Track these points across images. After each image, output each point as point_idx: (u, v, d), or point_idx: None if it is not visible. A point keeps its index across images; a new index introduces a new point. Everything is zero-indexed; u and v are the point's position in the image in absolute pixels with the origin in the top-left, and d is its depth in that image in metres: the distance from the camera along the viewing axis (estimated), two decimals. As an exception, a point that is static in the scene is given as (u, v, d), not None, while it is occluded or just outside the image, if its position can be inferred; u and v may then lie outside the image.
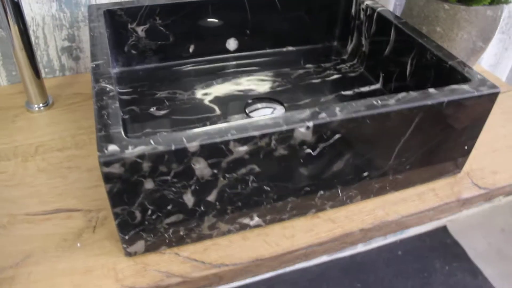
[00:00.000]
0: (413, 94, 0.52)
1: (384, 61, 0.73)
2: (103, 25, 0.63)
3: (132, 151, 0.41)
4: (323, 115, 0.47)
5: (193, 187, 0.46)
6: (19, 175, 0.59)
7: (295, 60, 0.81)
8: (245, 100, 0.70)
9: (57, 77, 0.79)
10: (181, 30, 0.75)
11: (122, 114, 0.64)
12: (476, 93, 0.53)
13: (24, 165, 0.61)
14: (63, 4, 0.72)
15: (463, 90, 0.53)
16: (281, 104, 0.70)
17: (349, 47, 0.83)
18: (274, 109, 0.69)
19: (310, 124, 0.46)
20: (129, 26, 0.71)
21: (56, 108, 0.72)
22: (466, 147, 0.60)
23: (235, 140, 0.44)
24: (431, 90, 0.52)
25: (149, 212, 0.46)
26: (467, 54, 0.83)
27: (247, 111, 0.68)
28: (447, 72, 0.60)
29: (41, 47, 0.75)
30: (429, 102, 0.50)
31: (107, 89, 0.49)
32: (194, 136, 0.43)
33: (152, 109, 0.67)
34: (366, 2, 0.76)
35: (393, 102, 0.50)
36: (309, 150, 0.48)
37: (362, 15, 0.77)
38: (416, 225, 0.62)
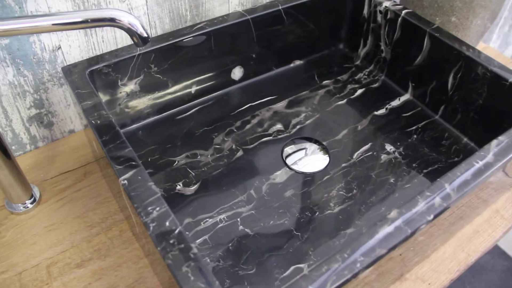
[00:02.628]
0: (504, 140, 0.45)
1: (414, 70, 0.65)
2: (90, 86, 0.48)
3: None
4: (438, 200, 0.39)
5: None
6: (42, 319, 0.46)
7: (308, 76, 0.71)
8: (277, 144, 0.60)
9: (29, 152, 0.62)
10: (181, 72, 0.61)
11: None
12: None
13: (43, 300, 0.47)
14: (22, 67, 0.54)
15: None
16: (319, 143, 0.61)
17: (362, 51, 0.73)
18: (313, 149, 0.60)
19: (431, 217, 0.38)
20: (120, 83, 0.56)
21: (47, 201, 0.57)
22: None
23: (365, 268, 0.35)
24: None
25: None
26: (477, 38, 0.78)
27: (287, 162, 0.58)
28: (508, 90, 0.54)
29: (2, 123, 0.58)
30: (533, 151, 0.44)
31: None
32: (317, 280, 0.33)
33: (178, 187, 0.55)
34: (384, 4, 0.66)
35: (492, 158, 0.44)
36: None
37: (379, 18, 0.68)
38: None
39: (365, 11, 0.70)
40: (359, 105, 0.67)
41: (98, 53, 0.58)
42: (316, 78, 0.71)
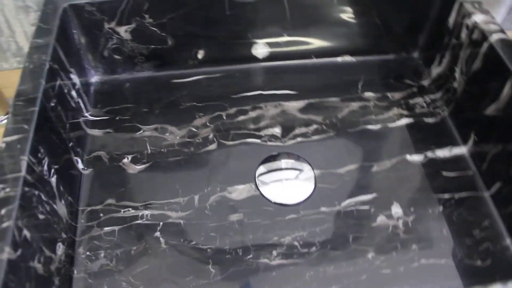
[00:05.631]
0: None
1: (482, 120, 0.47)
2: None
3: None
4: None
5: None
6: None
7: (350, 80, 0.56)
8: (261, 152, 0.49)
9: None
10: (184, 31, 0.51)
11: (82, 167, 0.46)
12: None
13: None
14: (24, -19, 0.50)
15: None
16: (311, 169, 0.48)
17: (435, 70, 0.55)
18: (298, 173, 0.47)
19: None
20: (106, 26, 0.49)
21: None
22: None
23: None
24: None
25: None
26: None
27: (258, 180, 0.46)
28: None
29: (6, 34, 0.56)
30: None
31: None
32: None
33: (125, 160, 0.48)
34: (474, 18, 0.47)
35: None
36: None
37: (464, 35, 0.49)
38: None
39: (451, 19, 0.51)
40: (393, 138, 0.51)
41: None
42: (358, 85, 0.55)
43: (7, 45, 0.57)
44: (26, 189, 0.33)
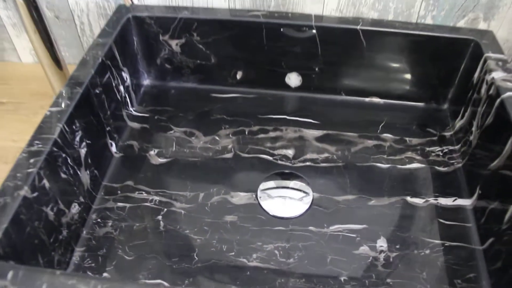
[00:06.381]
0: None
1: (487, 175, 0.47)
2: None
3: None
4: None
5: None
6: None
7: (374, 120, 0.58)
8: (269, 168, 0.53)
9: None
10: (226, 52, 0.58)
11: (115, 151, 0.54)
12: None
13: None
14: (107, -6, 0.61)
15: None
16: (311, 191, 0.51)
17: (458, 123, 0.56)
18: (303, 196, 0.51)
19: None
20: (161, 37, 0.58)
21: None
22: None
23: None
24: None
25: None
26: None
27: (260, 193, 0.51)
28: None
29: (87, 33, 0.67)
30: None
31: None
32: (56, 292, 0.30)
33: (152, 152, 0.55)
34: (494, 74, 0.48)
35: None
36: None
37: (483, 90, 0.50)
38: None
39: (476, 74, 0.52)
40: (399, 179, 0.52)
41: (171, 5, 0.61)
42: (379, 126, 0.58)
43: (86, 43, 0.69)
44: (55, 149, 0.40)
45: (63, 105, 0.43)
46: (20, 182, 0.37)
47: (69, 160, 0.43)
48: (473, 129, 0.51)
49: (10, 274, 0.31)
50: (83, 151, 0.46)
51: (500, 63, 0.50)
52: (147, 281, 0.43)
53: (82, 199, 0.46)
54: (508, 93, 0.45)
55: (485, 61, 0.51)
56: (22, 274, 0.31)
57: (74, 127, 0.44)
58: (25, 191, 0.36)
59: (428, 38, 0.54)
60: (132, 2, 0.43)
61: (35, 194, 0.38)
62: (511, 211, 0.41)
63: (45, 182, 0.39)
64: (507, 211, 0.42)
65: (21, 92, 0.67)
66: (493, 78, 0.48)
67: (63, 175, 0.42)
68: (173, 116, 0.59)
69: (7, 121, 0.63)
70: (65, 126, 0.42)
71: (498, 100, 0.46)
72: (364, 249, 0.46)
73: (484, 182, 0.47)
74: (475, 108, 0.52)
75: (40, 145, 0.40)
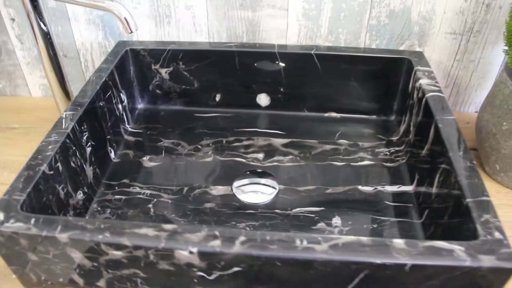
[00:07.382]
0: (357, 240, 0.38)
1: (420, 161, 0.57)
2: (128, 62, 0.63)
3: (8, 226, 0.40)
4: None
5: (77, 271, 0.42)
6: None
7: (332, 130, 0.69)
8: (243, 169, 0.63)
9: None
10: (207, 77, 0.71)
11: (113, 157, 0.64)
12: (468, 263, 0.37)
13: None
14: (108, 34, 0.74)
15: (449, 254, 0.37)
16: (278, 184, 0.61)
17: (402, 128, 0.67)
18: (274, 191, 0.60)
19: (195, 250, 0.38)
20: (153, 66, 0.70)
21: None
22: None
23: (106, 244, 0.38)
24: (397, 241, 0.38)
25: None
26: None
27: (234, 187, 0.60)
28: (463, 212, 0.43)
29: (90, 70, 0.80)
30: (377, 260, 0.37)
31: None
32: (69, 228, 0.39)
33: (145, 158, 0.65)
34: (421, 81, 0.60)
35: (325, 248, 0.38)
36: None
37: (415, 95, 0.62)
38: None
39: (410, 84, 0.64)
40: (352, 173, 0.62)
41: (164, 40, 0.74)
42: (336, 135, 0.69)
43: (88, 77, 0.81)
44: (67, 141, 0.51)
45: (75, 110, 0.54)
46: (40, 161, 0.47)
47: (77, 153, 0.53)
48: (411, 128, 0.62)
49: (33, 220, 0.40)
50: (88, 150, 0.56)
51: (426, 73, 0.62)
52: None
53: (86, 190, 0.56)
54: (431, 93, 0.57)
55: (415, 73, 0.63)
56: (42, 220, 0.40)
57: (82, 127, 0.54)
58: (44, 167, 0.46)
59: (371, 58, 0.67)
60: (131, 31, 0.55)
61: (51, 172, 0.47)
62: (436, 183, 0.51)
63: (59, 165, 0.49)
64: (433, 184, 0.52)
65: (31, 119, 0.78)
66: (420, 84, 0.60)
67: (72, 164, 0.52)
68: (162, 131, 0.70)
69: (20, 141, 0.73)
70: (76, 125, 0.53)
71: (424, 100, 0.58)
72: (321, 225, 0.55)
73: (421, 171, 0.58)
74: (411, 111, 0.63)
75: (56, 137, 0.50)
